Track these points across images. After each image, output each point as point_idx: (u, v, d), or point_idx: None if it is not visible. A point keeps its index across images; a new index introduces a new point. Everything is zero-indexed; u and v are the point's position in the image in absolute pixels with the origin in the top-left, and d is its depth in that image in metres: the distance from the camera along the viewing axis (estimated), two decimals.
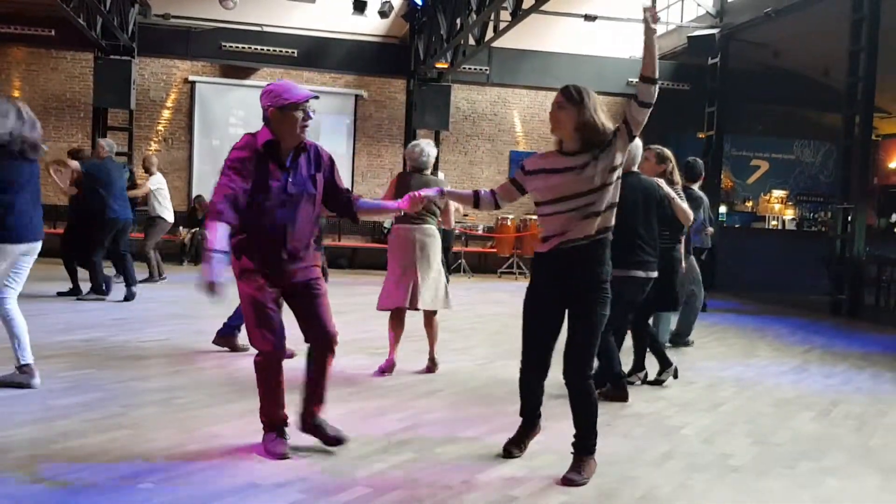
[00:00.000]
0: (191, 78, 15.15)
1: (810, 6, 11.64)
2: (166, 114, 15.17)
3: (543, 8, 10.26)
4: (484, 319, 8.95)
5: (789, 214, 16.24)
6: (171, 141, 15.15)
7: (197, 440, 3.88)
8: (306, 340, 3.84)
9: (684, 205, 5.41)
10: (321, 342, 3.79)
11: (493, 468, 3.71)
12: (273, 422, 3.80)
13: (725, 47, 13.89)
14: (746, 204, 16.68)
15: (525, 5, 10.20)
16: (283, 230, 3.65)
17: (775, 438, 4.54)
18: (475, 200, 3.88)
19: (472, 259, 15.18)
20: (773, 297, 12.38)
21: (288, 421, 3.86)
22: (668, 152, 5.61)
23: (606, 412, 4.89)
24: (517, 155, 16.52)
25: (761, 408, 5.28)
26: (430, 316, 5.71)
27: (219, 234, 3.42)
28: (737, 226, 15.88)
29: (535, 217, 15.57)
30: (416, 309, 5.55)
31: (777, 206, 16.11)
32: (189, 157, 15.09)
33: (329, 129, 15.20)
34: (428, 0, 13.34)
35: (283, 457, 3.68)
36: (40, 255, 4.79)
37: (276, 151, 3.65)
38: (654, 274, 5.09)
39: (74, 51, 14.35)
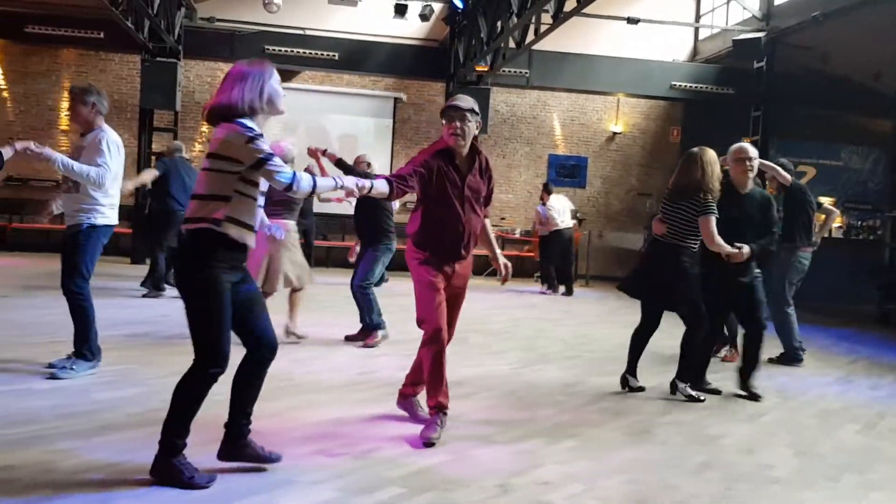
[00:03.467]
0: None
1: (860, 9, 11.39)
2: None
3: (585, 11, 10.20)
4: (519, 323, 8.92)
5: (836, 222, 15.89)
6: None
7: None
8: None
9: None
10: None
11: (528, 472, 3.69)
12: (444, 405, 4.17)
13: (772, 51, 13.66)
14: None
15: (567, 8, 10.15)
16: (459, 227, 4.15)
17: (818, 450, 4.45)
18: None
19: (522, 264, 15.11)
20: (818, 306, 12.13)
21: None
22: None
23: (644, 419, 4.85)
24: (556, 158, 16.45)
25: (804, 419, 5.17)
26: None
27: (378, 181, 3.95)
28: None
29: (574, 221, 15.49)
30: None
31: (824, 214, 15.76)
32: None
33: (368, 132, 15.31)
34: (468, 3, 13.35)
35: (429, 444, 3.98)
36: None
37: (451, 156, 4.16)
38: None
39: (122, 53, 14.64)
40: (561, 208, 12.56)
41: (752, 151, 5.56)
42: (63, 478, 3.25)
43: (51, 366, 5.00)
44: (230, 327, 3.29)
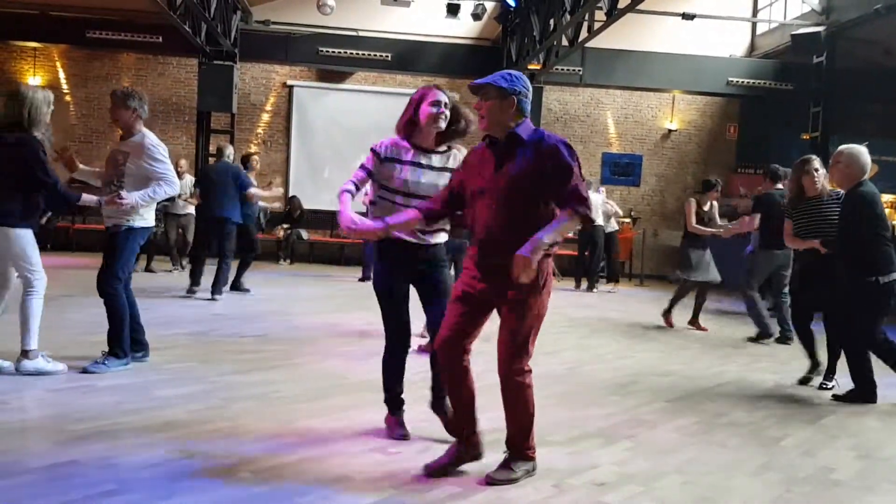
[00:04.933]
0: (289, 82, 15.59)
1: None
2: (265, 117, 15.65)
3: (640, 7, 10.09)
4: (574, 323, 8.86)
5: None
6: (269, 143, 15.62)
7: (293, 433, 3.98)
8: None
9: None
10: None
11: (584, 472, 3.67)
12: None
13: (832, 45, 13.32)
14: None
15: (621, 4, 10.05)
16: None
17: (882, 453, 4.32)
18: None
19: (563, 262, 15.03)
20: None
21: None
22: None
23: (702, 420, 4.77)
24: (610, 157, 16.29)
25: (867, 421, 5.03)
26: None
27: None
28: None
29: (628, 220, 15.34)
30: None
31: (887, 211, 15.30)
32: (286, 158, 15.53)
33: None
34: (521, 1, 13.31)
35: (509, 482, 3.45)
36: None
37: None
38: None
39: (180, 56, 14.99)
40: (593, 204, 12.58)
41: (841, 154, 5.57)
42: (127, 473, 3.33)
43: (84, 370, 5.02)
44: None
